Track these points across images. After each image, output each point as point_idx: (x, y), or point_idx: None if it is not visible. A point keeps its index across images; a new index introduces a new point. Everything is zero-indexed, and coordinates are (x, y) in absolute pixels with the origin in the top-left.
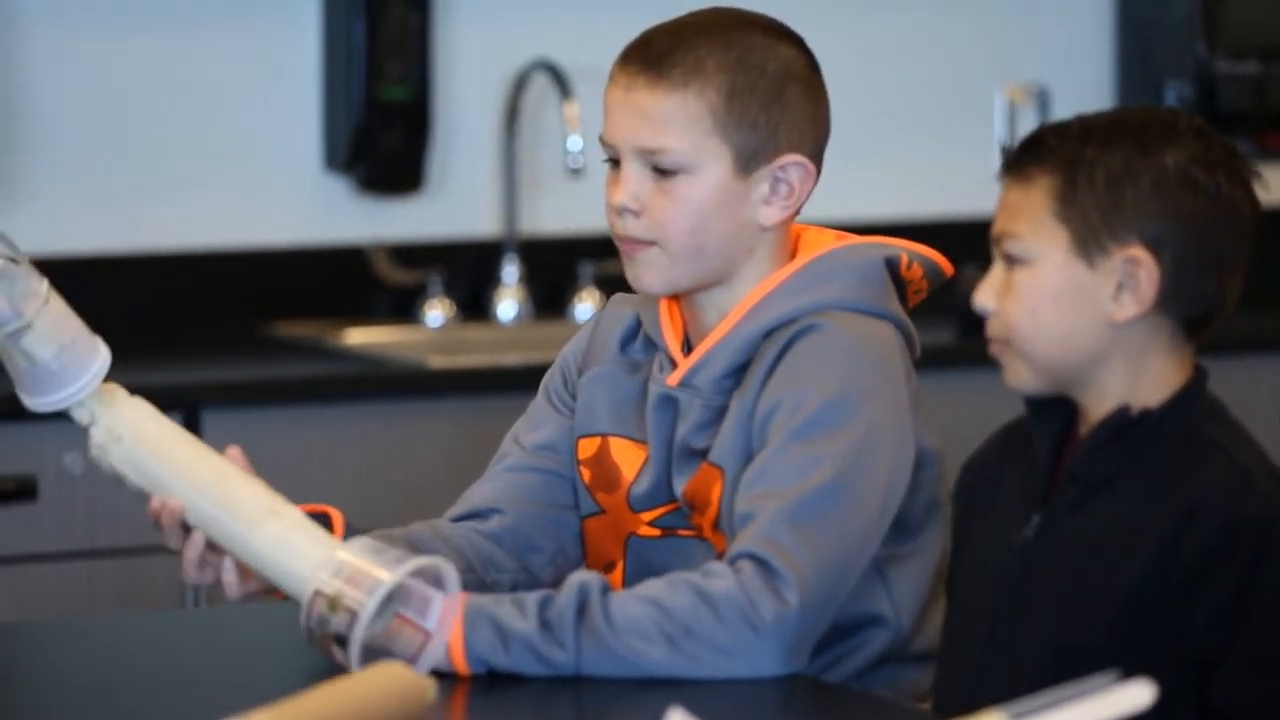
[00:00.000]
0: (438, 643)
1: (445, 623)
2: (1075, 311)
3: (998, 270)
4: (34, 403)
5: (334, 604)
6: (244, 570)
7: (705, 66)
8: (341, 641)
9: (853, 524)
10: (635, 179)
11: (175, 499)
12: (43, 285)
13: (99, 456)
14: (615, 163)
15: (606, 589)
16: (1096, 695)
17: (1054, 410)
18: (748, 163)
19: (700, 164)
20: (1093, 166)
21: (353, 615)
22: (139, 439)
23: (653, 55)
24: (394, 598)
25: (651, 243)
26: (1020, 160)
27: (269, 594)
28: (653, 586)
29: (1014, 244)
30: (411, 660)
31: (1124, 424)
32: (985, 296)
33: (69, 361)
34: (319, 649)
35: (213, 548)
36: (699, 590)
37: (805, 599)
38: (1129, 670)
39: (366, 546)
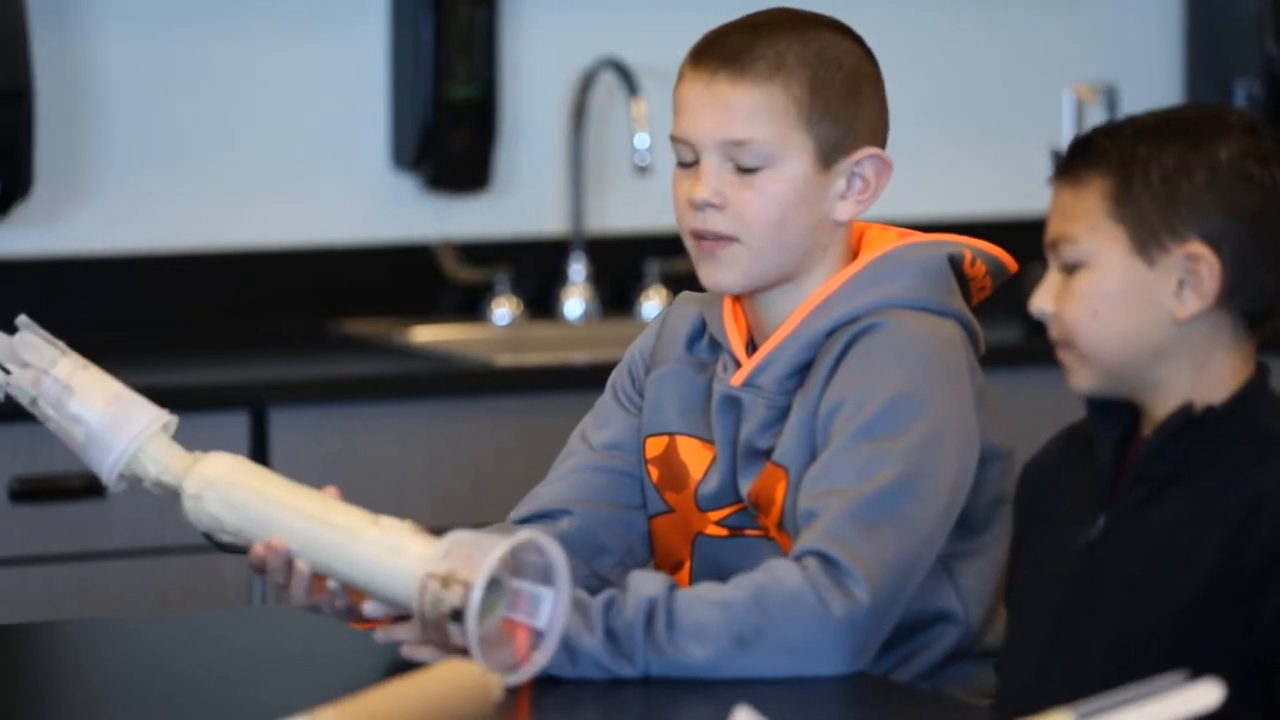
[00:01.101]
0: (550, 642)
1: (557, 622)
2: (1137, 311)
3: (1053, 274)
4: (105, 471)
5: (447, 580)
6: (352, 592)
7: (787, 60)
8: (458, 616)
9: (918, 523)
10: (716, 173)
11: (275, 535)
12: (69, 352)
13: (194, 508)
14: (686, 160)
15: (673, 590)
16: (1164, 695)
17: (1116, 411)
18: (828, 156)
19: (784, 157)
20: (1146, 165)
21: (467, 586)
22: (231, 481)
23: (732, 51)
24: (503, 596)
25: (732, 238)
26: (1071, 163)
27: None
28: (719, 590)
29: (1071, 248)
30: (521, 662)
31: (1187, 422)
32: (1043, 301)
33: (119, 413)
34: (433, 641)
35: (319, 576)
36: (767, 590)
37: (875, 597)
38: (1195, 670)
39: (466, 535)
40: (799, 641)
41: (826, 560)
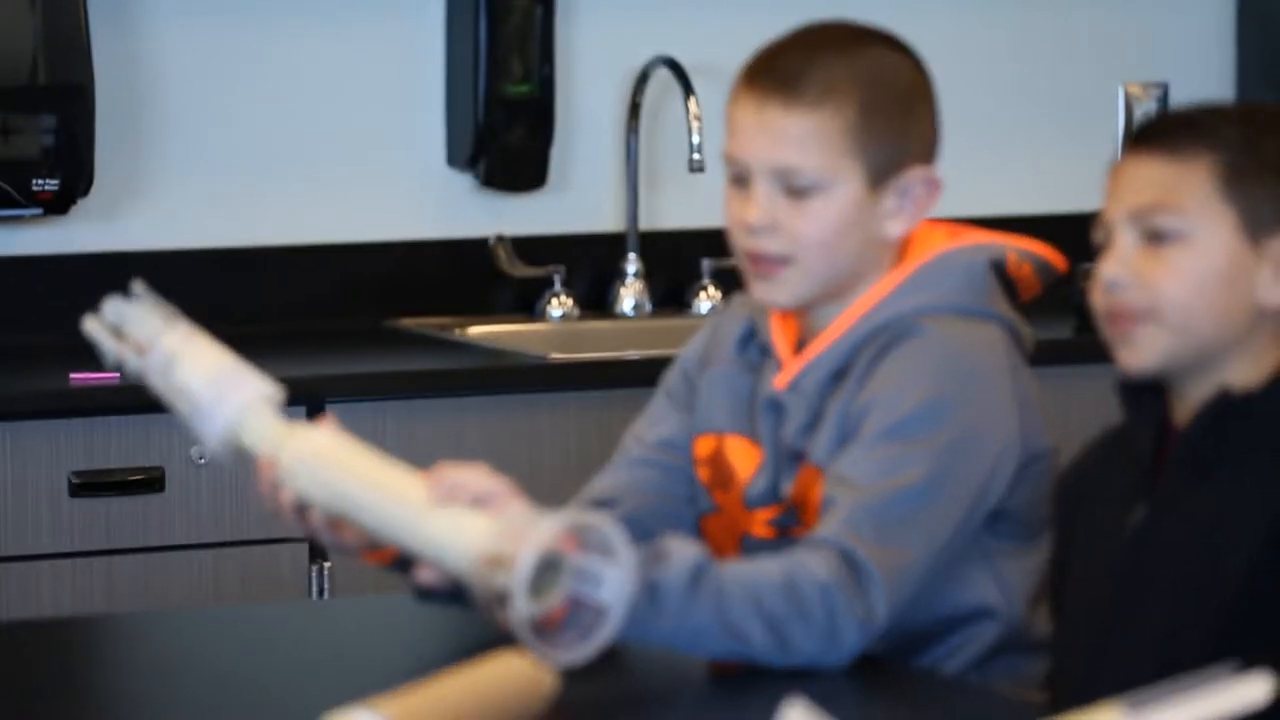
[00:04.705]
0: (614, 618)
1: (621, 597)
2: (1231, 292)
3: (1128, 243)
4: (207, 437)
5: (497, 563)
6: (374, 553)
7: (838, 85)
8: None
9: (936, 529)
10: (767, 197)
11: (356, 514)
12: (180, 321)
13: (289, 481)
14: (739, 179)
15: (715, 565)
16: (1213, 689)
17: (1150, 403)
18: (878, 178)
19: (835, 182)
20: (1264, 150)
21: (515, 565)
22: (321, 458)
23: (783, 75)
24: (564, 571)
25: (785, 261)
26: (1171, 136)
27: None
28: (748, 568)
29: (1171, 218)
30: (587, 635)
31: (1228, 407)
32: (1118, 269)
33: (225, 387)
34: (490, 621)
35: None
36: (797, 579)
37: (891, 610)
38: (1245, 655)
39: (528, 511)
40: (821, 631)
41: (849, 559)
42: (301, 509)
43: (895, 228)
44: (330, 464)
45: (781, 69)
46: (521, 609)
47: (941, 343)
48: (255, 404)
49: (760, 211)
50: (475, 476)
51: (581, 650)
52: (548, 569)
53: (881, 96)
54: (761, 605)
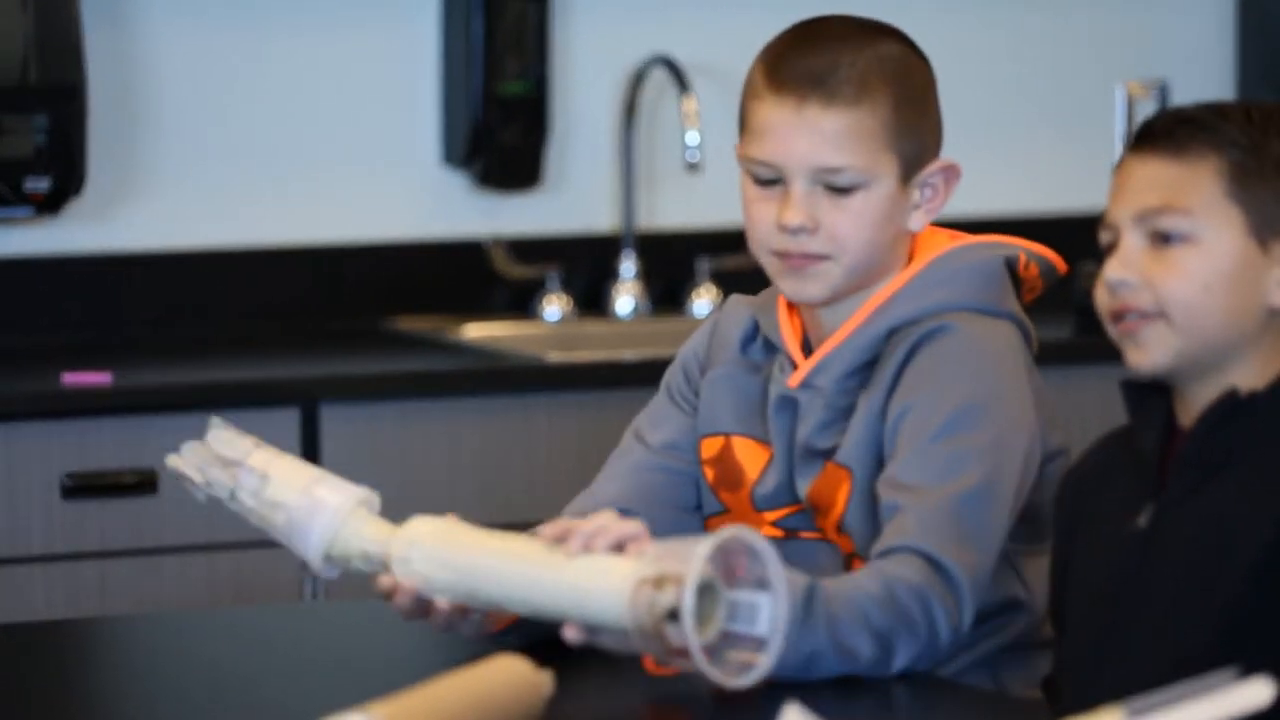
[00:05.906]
0: (773, 648)
1: (779, 628)
2: (1240, 294)
3: (1134, 245)
4: (310, 554)
5: (659, 583)
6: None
7: (871, 81)
8: (674, 616)
9: (998, 527)
10: (807, 197)
11: (483, 581)
12: (263, 444)
13: (404, 571)
14: (766, 180)
15: (821, 587)
16: (1215, 693)
17: (1153, 401)
18: (910, 171)
19: (875, 178)
20: (1270, 150)
21: (680, 583)
22: (436, 537)
23: (815, 73)
24: (720, 605)
25: (825, 257)
26: (1176, 136)
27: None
28: (852, 590)
29: (1178, 220)
30: (744, 671)
31: (1234, 407)
32: (1125, 270)
33: (317, 495)
34: (652, 652)
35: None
36: (897, 591)
37: (973, 608)
38: (1252, 659)
39: (670, 542)
40: (923, 636)
41: (934, 564)
42: (423, 602)
43: (918, 220)
44: (448, 541)
45: (811, 67)
46: (691, 622)
47: (971, 341)
48: (353, 508)
49: (801, 214)
50: (609, 521)
51: (743, 679)
52: (703, 595)
53: (908, 92)
54: (869, 621)
